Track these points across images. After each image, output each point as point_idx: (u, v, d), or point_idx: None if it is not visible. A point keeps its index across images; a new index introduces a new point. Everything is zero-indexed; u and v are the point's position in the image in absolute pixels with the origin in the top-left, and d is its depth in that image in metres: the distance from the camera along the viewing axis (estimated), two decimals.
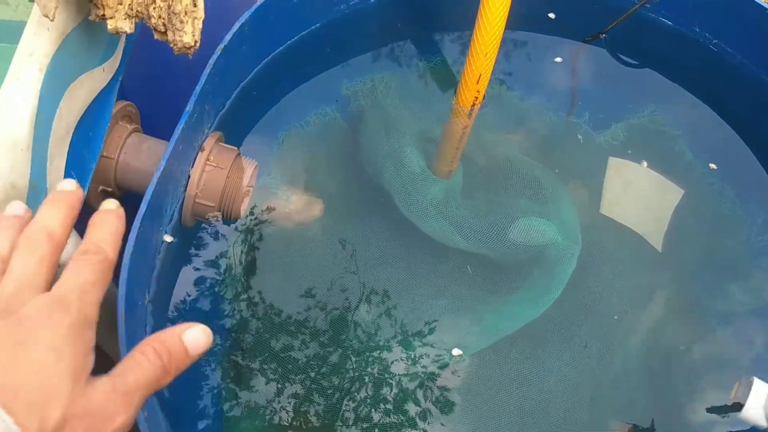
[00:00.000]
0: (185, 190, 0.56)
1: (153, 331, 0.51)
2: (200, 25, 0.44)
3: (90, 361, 0.30)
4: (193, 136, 0.55)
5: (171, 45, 0.43)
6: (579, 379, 0.67)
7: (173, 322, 0.59)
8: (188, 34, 0.43)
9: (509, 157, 0.74)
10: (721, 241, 0.73)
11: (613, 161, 0.77)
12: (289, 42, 0.67)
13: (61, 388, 0.27)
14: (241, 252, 0.66)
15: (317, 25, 0.69)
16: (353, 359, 0.63)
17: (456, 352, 0.65)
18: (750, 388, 0.54)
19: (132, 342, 0.45)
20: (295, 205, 0.71)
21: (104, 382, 0.30)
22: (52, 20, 0.40)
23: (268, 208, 0.69)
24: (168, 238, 0.54)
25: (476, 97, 0.63)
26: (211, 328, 0.34)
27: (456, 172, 0.71)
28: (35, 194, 0.44)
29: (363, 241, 0.70)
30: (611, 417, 0.66)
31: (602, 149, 0.76)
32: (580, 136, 0.76)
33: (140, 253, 0.48)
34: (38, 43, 0.43)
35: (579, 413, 0.66)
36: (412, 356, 0.65)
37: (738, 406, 0.55)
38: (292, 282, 0.66)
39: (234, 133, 0.65)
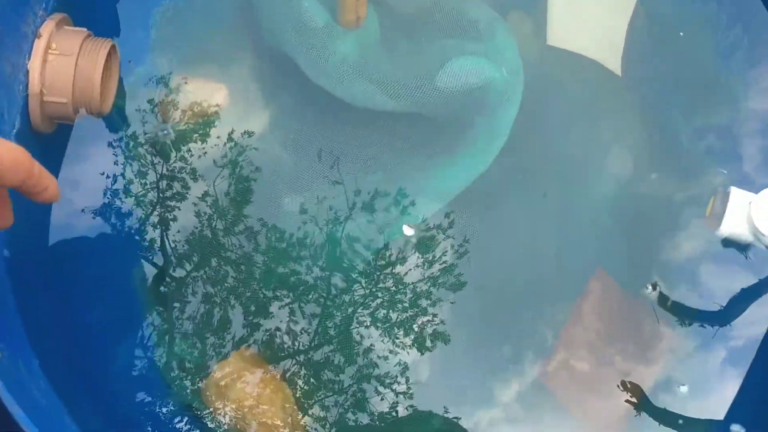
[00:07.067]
0: (26, 88, 0.46)
1: None
2: None
3: None
4: (14, 18, 0.44)
5: None
6: (541, 234, 0.60)
7: None
8: None
9: None
10: (685, 48, 0.64)
11: None
12: None
13: None
14: (133, 156, 0.56)
15: None
16: (275, 251, 0.56)
17: (408, 231, 0.58)
18: (728, 199, 0.46)
19: None
20: (192, 95, 0.61)
21: None
22: None
23: (155, 100, 0.59)
24: None
25: None
26: None
27: (368, 20, 0.60)
28: None
29: (276, 125, 0.60)
30: (583, 270, 0.60)
31: None
32: None
33: None
34: None
35: (545, 271, 0.59)
36: (351, 243, 0.58)
37: (717, 222, 0.47)
38: (200, 179, 0.58)
39: (87, 13, 0.53)
